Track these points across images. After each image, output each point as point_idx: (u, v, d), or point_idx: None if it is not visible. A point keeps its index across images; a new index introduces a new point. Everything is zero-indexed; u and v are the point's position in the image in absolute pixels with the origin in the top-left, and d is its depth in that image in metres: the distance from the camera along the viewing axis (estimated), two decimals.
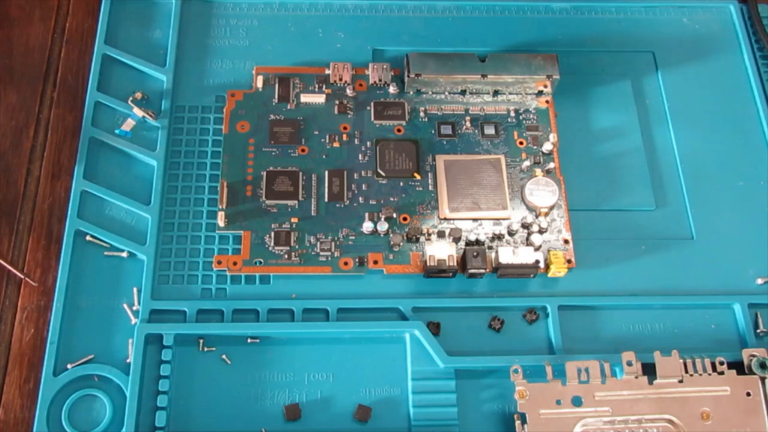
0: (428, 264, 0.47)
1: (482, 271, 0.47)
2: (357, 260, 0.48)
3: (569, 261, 0.48)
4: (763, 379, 0.44)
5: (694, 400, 0.43)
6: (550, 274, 0.48)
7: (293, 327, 0.46)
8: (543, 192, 0.49)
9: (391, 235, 0.48)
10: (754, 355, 0.45)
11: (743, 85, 0.56)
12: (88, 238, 0.48)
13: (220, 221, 0.48)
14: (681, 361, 0.44)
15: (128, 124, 0.51)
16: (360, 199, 0.50)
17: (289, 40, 0.55)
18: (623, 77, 0.56)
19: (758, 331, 0.48)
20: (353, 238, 0.49)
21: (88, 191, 0.50)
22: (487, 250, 0.48)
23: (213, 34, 0.55)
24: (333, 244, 0.48)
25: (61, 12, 0.57)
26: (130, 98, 0.52)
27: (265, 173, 0.50)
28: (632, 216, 0.51)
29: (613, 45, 0.57)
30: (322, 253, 0.48)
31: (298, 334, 0.46)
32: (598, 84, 0.55)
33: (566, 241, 0.49)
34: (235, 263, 0.47)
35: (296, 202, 0.49)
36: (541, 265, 0.48)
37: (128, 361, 0.45)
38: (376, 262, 0.48)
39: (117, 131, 0.51)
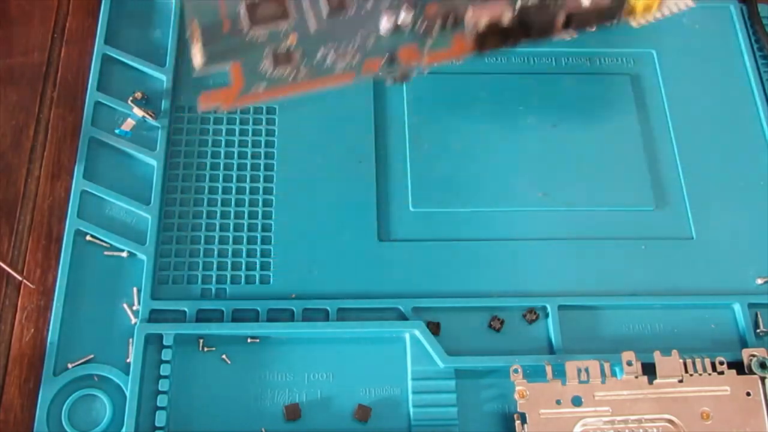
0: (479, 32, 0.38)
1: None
2: (387, 58, 0.38)
3: None
4: (763, 379, 0.44)
5: (694, 400, 0.43)
6: (639, 17, 0.41)
7: (293, 327, 0.46)
8: None
9: (419, 23, 0.39)
10: (754, 355, 0.44)
11: (743, 85, 0.56)
12: (88, 238, 0.48)
13: (197, 56, 0.38)
14: (681, 361, 0.44)
15: (128, 124, 0.51)
16: (368, 4, 0.40)
17: None
18: (623, 77, 0.56)
19: (758, 331, 0.48)
20: (372, 42, 0.39)
21: (88, 191, 0.50)
22: None
23: None
24: (351, 47, 0.39)
25: (61, 12, 0.57)
26: (130, 98, 0.52)
27: (243, 3, 0.40)
28: (632, 216, 0.51)
29: (613, 45, 0.57)
30: (339, 61, 0.39)
31: (298, 334, 0.46)
32: (598, 84, 0.55)
33: None
34: (228, 98, 0.38)
35: (288, 22, 0.40)
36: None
37: (128, 361, 0.45)
38: (411, 62, 0.38)
39: (117, 131, 0.51)
